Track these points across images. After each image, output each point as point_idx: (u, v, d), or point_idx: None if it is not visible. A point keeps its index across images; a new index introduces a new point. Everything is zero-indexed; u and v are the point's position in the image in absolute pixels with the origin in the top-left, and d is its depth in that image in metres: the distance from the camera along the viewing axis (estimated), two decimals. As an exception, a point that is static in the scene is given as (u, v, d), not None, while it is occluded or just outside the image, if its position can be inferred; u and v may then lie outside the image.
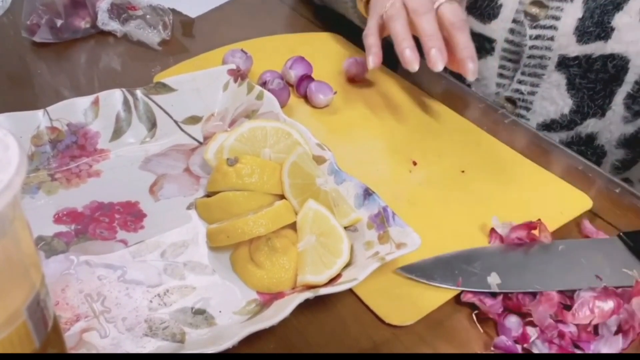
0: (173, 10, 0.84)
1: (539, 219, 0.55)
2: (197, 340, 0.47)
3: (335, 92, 0.72)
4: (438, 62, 0.62)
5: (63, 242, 0.55)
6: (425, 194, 0.62)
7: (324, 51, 0.81)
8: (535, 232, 0.56)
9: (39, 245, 0.54)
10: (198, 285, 0.52)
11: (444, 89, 0.77)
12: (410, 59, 0.64)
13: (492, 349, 0.48)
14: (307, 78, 0.72)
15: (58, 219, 0.57)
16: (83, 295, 0.50)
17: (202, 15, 0.88)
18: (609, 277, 0.52)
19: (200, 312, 0.50)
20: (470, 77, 0.64)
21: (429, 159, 0.65)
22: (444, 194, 0.62)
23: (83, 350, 0.46)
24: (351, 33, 0.85)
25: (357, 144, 0.67)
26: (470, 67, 0.63)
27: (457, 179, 0.63)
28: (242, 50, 0.74)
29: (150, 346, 0.47)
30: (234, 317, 0.50)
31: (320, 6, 0.90)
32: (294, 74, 0.73)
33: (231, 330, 0.47)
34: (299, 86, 0.72)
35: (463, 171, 0.64)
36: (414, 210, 0.59)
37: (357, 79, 0.76)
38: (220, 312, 0.50)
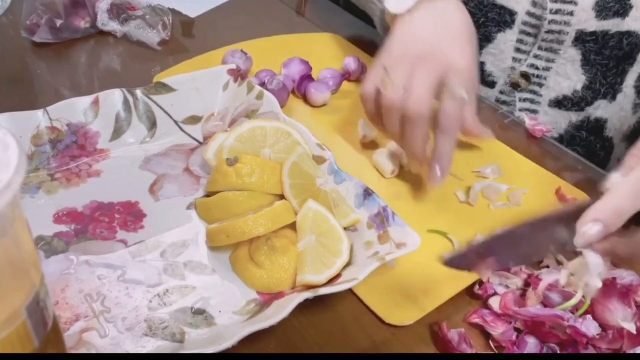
0: (172, 10, 0.84)
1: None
2: (197, 340, 0.47)
3: (333, 91, 0.72)
4: (435, 182, 0.59)
5: (63, 242, 0.55)
6: (425, 194, 0.62)
7: (323, 51, 0.80)
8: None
9: (38, 244, 0.54)
10: (198, 285, 0.52)
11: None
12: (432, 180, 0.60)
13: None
14: (306, 78, 0.72)
15: (58, 219, 0.56)
16: (83, 295, 0.50)
17: (202, 15, 0.88)
18: None
19: (200, 311, 0.50)
20: (433, 184, 0.59)
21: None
22: (444, 194, 0.62)
23: (83, 350, 0.46)
24: (351, 33, 0.85)
25: (357, 143, 0.67)
26: (436, 175, 0.59)
27: (456, 179, 0.63)
28: (241, 50, 0.74)
29: (150, 346, 0.47)
30: (233, 317, 0.50)
31: (325, 6, 0.89)
32: (292, 75, 0.73)
33: (231, 330, 0.47)
34: (299, 86, 0.72)
35: (463, 171, 0.64)
36: (414, 210, 0.59)
37: (356, 79, 0.76)
38: (220, 311, 0.50)
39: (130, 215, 0.57)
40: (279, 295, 0.51)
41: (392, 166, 0.62)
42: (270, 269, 0.52)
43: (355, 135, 0.68)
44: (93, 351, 0.46)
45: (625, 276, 0.52)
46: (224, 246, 0.54)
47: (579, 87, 0.76)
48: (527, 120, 0.70)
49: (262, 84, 0.69)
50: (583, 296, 0.49)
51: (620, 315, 0.48)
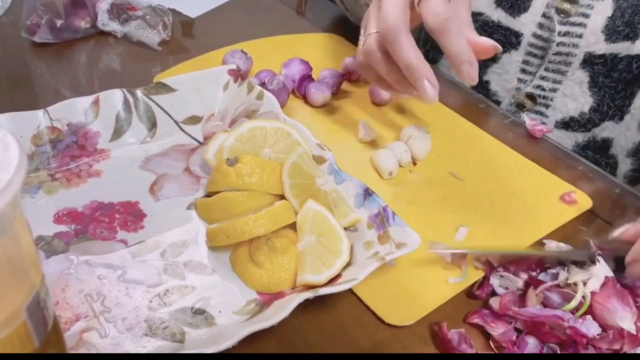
0: (173, 11, 0.84)
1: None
2: (197, 340, 0.47)
3: (333, 91, 0.72)
4: (429, 95, 0.55)
5: (63, 242, 0.55)
6: (425, 194, 0.62)
7: (323, 51, 0.81)
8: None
9: (39, 245, 0.54)
10: (198, 285, 0.52)
11: (444, 89, 0.77)
12: (428, 95, 0.55)
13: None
14: (306, 78, 0.72)
15: (58, 219, 0.57)
16: (83, 295, 0.50)
17: (202, 16, 0.88)
18: None
19: (200, 312, 0.50)
20: (469, 82, 0.55)
21: (429, 159, 0.65)
22: (444, 194, 0.62)
23: (83, 350, 0.46)
24: (351, 34, 0.85)
25: (357, 143, 0.67)
26: (466, 73, 0.55)
27: (456, 179, 0.63)
28: (242, 50, 0.74)
29: (150, 346, 0.47)
30: (233, 317, 0.50)
31: (327, 7, 0.90)
32: (292, 75, 0.73)
33: (231, 330, 0.47)
34: (299, 86, 0.72)
35: (463, 171, 0.64)
36: (414, 210, 0.59)
37: (356, 79, 0.76)
38: (220, 312, 0.50)
39: (130, 216, 0.57)
40: (279, 295, 0.51)
41: (392, 166, 0.63)
42: (271, 269, 0.52)
43: (355, 135, 0.68)
44: (93, 351, 0.46)
45: (626, 277, 0.52)
46: (224, 246, 0.54)
47: (586, 109, 0.75)
48: (527, 121, 0.70)
49: (263, 84, 0.69)
50: (583, 296, 0.49)
51: (620, 316, 0.48)
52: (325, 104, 0.72)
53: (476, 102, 0.75)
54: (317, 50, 0.80)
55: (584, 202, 0.61)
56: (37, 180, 0.59)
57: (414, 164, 0.65)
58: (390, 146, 0.64)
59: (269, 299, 0.51)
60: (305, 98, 0.72)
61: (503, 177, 0.64)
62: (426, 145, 0.65)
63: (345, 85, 0.75)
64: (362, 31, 0.61)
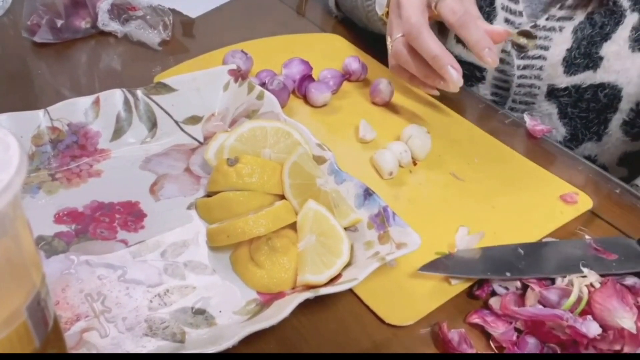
0: (173, 11, 0.84)
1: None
2: (197, 340, 0.47)
3: (333, 91, 0.72)
4: (454, 79, 0.61)
5: (63, 242, 0.55)
6: (425, 194, 0.62)
7: (324, 51, 0.81)
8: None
9: (39, 244, 0.54)
10: (198, 285, 0.52)
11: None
12: (452, 79, 0.61)
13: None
14: (307, 78, 0.72)
15: (58, 219, 0.57)
16: (83, 295, 0.50)
17: (202, 16, 0.88)
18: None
19: (200, 312, 0.50)
20: (491, 65, 0.61)
21: (429, 159, 0.65)
22: (444, 194, 0.62)
23: (83, 350, 0.46)
24: (351, 33, 0.85)
25: (357, 143, 0.67)
26: (487, 57, 0.60)
27: (457, 179, 0.63)
28: (242, 50, 0.74)
29: (150, 346, 0.47)
30: (234, 317, 0.50)
31: (338, 17, 0.90)
32: (293, 75, 0.73)
33: (231, 330, 0.47)
34: (299, 86, 0.72)
35: (463, 171, 0.64)
36: (414, 210, 0.59)
37: (357, 79, 0.76)
38: (220, 312, 0.50)
39: (130, 216, 0.57)
40: (279, 295, 0.51)
41: (392, 166, 0.63)
42: (271, 269, 0.52)
43: (355, 135, 0.68)
44: (94, 351, 0.47)
45: (626, 278, 0.53)
46: (224, 246, 0.54)
47: (559, 138, 0.76)
48: (528, 120, 0.70)
49: (263, 84, 0.69)
50: (580, 291, 0.49)
51: (620, 315, 0.48)
52: (325, 104, 0.72)
53: (476, 102, 0.75)
54: (317, 50, 0.80)
55: (584, 202, 0.61)
56: (38, 180, 0.60)
57: (414, 164, 0.65)
58: (390, 146, 0.64)
59: (269, 299, 0.51)
60: (305, 98, 0.73)
61: (503, 177, 0.64)
62: (426, 145, 0.65)
63: (345, 85, 0.75)
64: (388, 39, 0.67)
